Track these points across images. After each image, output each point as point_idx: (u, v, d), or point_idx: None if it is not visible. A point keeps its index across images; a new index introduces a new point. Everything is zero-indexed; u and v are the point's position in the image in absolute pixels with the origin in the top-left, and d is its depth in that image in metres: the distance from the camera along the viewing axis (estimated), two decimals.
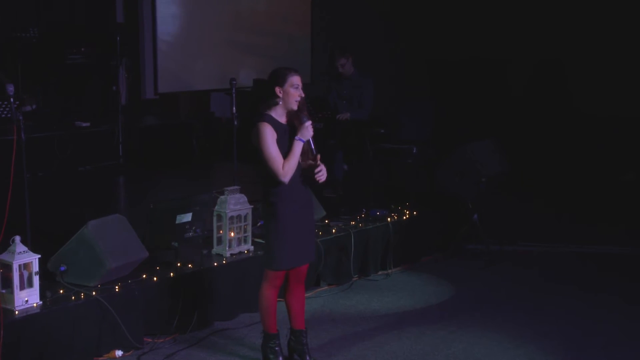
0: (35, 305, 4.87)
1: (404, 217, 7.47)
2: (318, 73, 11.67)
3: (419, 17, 12.63)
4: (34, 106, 9.41)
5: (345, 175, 8.58)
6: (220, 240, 6.08)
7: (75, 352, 4.93)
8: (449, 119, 10.94)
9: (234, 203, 6.05)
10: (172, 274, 5.59)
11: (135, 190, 8.63)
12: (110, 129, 9.31)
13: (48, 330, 4.81)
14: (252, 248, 6.18)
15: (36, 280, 4.88)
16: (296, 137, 4.79)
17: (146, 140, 9.70)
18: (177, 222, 5.79)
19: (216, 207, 6.06)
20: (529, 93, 12.19)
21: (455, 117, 11.45)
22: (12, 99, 5.12)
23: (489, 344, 5.58)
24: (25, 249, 4.85)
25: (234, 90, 6.89)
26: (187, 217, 5.83)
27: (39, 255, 4.90)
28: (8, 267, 4.78)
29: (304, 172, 4.89)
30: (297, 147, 4.78)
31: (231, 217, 6.03)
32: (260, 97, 4.92)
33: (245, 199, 6.16)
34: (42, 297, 4.93)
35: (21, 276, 4.81)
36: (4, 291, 4.81)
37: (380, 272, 7.16)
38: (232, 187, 6.12)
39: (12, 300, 4.78)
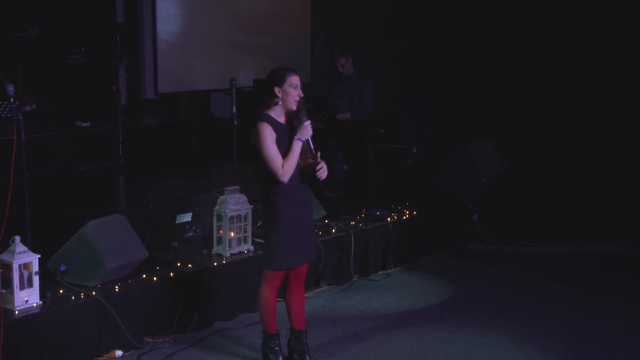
0: (35, 305, 4.87)
1: (404, 217, 7.47)
2: (318, 73, 11.67)
3: (419, 17, 12.64)
4: (34, 106, 9.41)
5: (345, 175, 8.58)
6: (220, 240, 6.08)
7: (75, 352, 4.93)
8: (449, 119, 10.94)
9: (234, 203, 6.05)
10: (172, 274, 5.59)
11: (135, 190, 8.63)
12: (110, 129, 9.31)
13: (48, 330, 4.81)
14: (252, 248, 6.18)
15: (36, 280, 4.88)
16: (295, 137, 4.80)
17: (146, 140, 9.70)
18: (177, 222, 5.79)
19: (216, 207, 6.06)
20: (529, 93, 12.19)
21: (455, 117, 11.45)
22: (12, 99, 5.13)
23: (489, 344, 5.58)
24: (25, 249, 4.85)
25: (234, 90, 6.90)
26: (187, 217, 5.84)
27: (39, 255, 4.90)
28: (8, 267, 4.78)
29: (304, 171, 4.90)
30: (296, 147, 4.79)
31: (231, 217, 6.03)
32: (259, 97, 4.93)
33: (245, 199, 6.16)
34: (42, 297, 4.93)
35: (21, 276, 4.81)
36: (4, 291, 4.81)
37: (380, 272, 7.16)
38: (232, 187, 6.12)
39: (12, 300, 4.78)
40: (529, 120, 11.73)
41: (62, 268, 5.21)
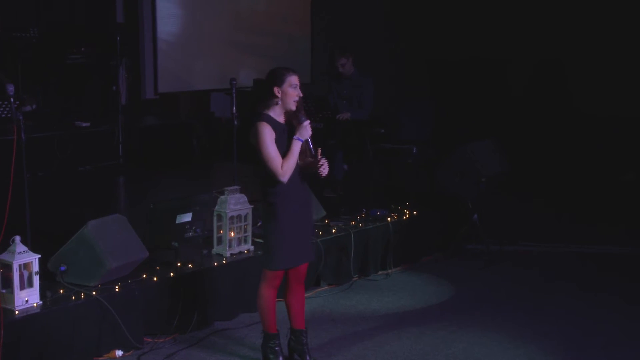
0: (35, 305, 4.87)
1: (404, 217, 7.47)
2: (318, 73, 11.67)
3: (419, 17, 12.63)
4: (34, 106, 9.42)
5: (345, 175, 8.58)
6: (220, 240, 6.08)
7: (75, 352, 4.93)
8: (449, 119, 10.93)
9: (234, 203, 6.05)
10: (172, 274, 5.59)
11: (135, 190, 8.63)
12: (110, 129, 9.31)
13: (48, 330, 4.81)
14: (252, 248, 6.18)
15: (36, 280, 4.88)
16: (295, 137, 4.80)
17: (146, 140, 9.71)
18: (177, 222, 5.79)
19: (216, 207, 6.06)
20: (529, 93, 12.18)
21: (455, 117, 11.45)
22: (12, 99, 5.13)
23: (489, 344, 5.58)
24: (25, 249, 4.85)
25: (234, 90, 6.90)
26: (187, 217, 5.84)
27: (39, 255, 4.90)
28: (8, 267, 4.79)
29: (304, 169, 4.90)
30: (296, 147, 4.79)
31: (231, 217, 6.03)
32: (259, 97, 4.93)
33: (245, 199, 6.16)
34: (42, 297, 4.93)
35: (21, 276, 4.81)
36: (4, 291, 4.81)
37: (380, 272, 7.16)
38: (232, 187, 6.12)
39: (12, 300, 4.78)
40: (529, 120, 11.72)
41: (62, 268, 5.22)
